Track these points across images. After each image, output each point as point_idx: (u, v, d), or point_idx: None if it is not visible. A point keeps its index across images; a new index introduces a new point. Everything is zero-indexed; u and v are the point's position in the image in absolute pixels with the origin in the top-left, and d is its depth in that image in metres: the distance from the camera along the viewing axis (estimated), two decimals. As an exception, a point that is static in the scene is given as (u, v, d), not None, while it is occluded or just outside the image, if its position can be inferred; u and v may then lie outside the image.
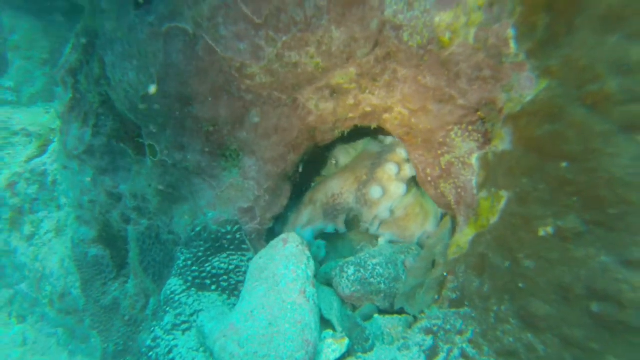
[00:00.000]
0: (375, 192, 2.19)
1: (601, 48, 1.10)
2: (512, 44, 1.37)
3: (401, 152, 2.24)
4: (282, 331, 1.62)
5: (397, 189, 2.20)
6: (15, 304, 4.55)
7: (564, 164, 1.21)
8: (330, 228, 2.33)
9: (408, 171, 2.23)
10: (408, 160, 2.25)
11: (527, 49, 1.33)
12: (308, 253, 1.88)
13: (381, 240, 2.31)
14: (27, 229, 4.17)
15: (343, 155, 2.51)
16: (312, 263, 1.85)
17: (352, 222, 2.38)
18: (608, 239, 1.09)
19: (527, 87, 1.35)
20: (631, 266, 1.00)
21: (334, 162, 2.54)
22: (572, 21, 1.16)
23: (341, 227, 2.30)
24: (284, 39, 1.81)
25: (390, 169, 2.20)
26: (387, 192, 2.21)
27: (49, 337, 4.42)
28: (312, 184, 2.59)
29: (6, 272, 4.43)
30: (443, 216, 2.24)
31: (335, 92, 1.97)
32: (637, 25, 1.02)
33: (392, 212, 2.24)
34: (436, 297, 1.81)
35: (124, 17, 2.05)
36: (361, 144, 2.55)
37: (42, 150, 4.42)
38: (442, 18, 1.50)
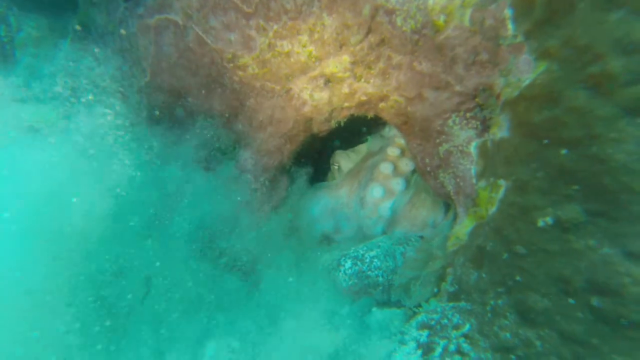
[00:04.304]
0: (376, 191, 2.19)
1: (603, 26, 1.02)
2: (510, 25, 1.30)
3: (393, 150, 2.27)
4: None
5: (397, 185, 2.20)
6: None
7: (563, 151, 1.15)
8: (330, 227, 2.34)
9: (404, 167, 2.25)
10: (403, 155, 2.27)
11: (525, 29, 1.26)
12: None
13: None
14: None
15: (345, 160, 2.50)
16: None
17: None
18: (610, 229, 1.03)
19: (525, 71, 1.28)
20: (634, 258, 0.94)
21: (336, 166, 2.53)
22: (572, -2, 1.09)
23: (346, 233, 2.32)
24: (275, 27, 1.76)
25: (385, 167, 2.22)
26: (388, 191, 2.21)
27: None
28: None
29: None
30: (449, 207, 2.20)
31: (330, 81, 1.91)
32: (640, -1, 0.94)
33: (394, 210, 2.22)
34: (435, 290, 1.77)
35: (114, 10, 2.02)
36: (363, 147, 2.54)
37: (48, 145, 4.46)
38: (436, 0, 1.43)
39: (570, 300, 1.05)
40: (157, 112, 2.18)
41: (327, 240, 2.23)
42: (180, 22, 1.86)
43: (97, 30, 2.21)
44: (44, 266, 1.70)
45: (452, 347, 1.27)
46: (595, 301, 0.99)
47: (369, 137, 2.51)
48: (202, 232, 2.04)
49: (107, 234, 1.80)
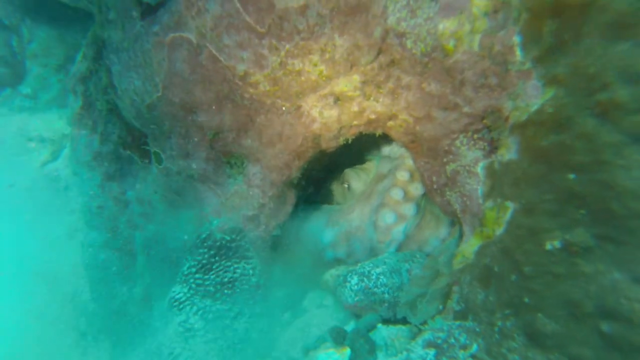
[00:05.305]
0: (388, 217, 2.24)
1: (610, 55, 1.06)
2: (518, 52, 1.33)
3: (403, 175, 2.31)
4: None
5: (408, 210, 2.25)
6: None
7: (571, 176, 1.17)
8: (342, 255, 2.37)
9: (414, 191, 2.29)
10: (412, 179, 2.31)
11: (533, 56, 1.30)
12: None
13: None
14: (42, 233, 4.24)
15: (354, 180, 2.54)
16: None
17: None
18: (619, 254, 1.05)
19: (533, 96, 1.32)
20: (643, 284, 0.95)
21: (346, 186, 2.55)
22: (580, 28, 1.12)
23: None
24: (287, 47, 1.81)
25: (396, 194, 2.26)
26: (400, 216, 2.26)
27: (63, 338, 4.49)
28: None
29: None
30: (454, 222, 2.23)
31: (339, 99, 1.95)
32: (647, 32, 0.98)
33: (407, 233, 2.26)
34: (440, 307, 1.77)
35: (130, 27, 2.08)
36: (372, 166, 2.56)
37: (55, 156, 4.51)
38: (446, 25, 1.47)
39: (580, 325, 1.06)
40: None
41: (337, 262, 2.26)
42: (194, 40, 1.91)
43: (111, 46, 2.26)
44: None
45: (460, 367, 1.28)
46: (605, 326, 1.00)
47: (376, 158, 2.53)
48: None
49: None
